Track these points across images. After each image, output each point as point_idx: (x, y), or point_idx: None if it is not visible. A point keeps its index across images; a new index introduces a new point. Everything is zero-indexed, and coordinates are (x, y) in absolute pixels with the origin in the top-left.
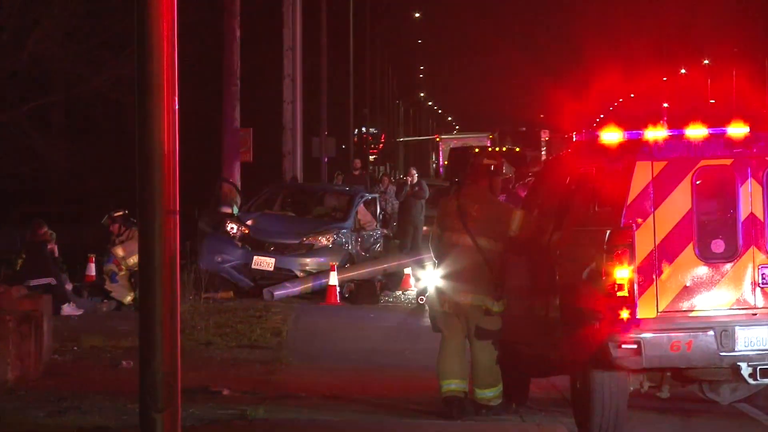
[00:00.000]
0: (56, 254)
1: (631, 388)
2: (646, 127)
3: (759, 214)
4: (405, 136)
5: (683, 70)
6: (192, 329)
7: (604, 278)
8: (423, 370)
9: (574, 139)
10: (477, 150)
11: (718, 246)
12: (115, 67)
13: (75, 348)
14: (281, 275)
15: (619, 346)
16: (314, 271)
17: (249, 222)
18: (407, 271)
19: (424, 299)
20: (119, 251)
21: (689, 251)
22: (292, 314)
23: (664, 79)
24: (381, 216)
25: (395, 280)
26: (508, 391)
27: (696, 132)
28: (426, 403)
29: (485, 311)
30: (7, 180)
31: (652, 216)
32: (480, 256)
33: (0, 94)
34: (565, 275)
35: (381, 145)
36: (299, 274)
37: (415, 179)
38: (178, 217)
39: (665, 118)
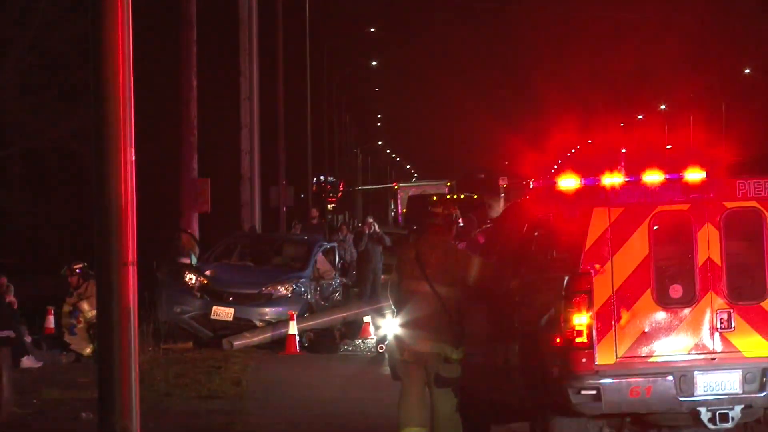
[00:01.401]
0: (15, 306)
1: None
2: (603, 173)
3: (716, 258)
4: (363, 184)
5: (640, 116)
6: (151, 380)
7: (562, 324)
8: (383, 418)
9: (532, 186)
10: (435, 197)
11: (676, 291)
12: (72, 118)
13: (35, 401)
14: (240, 325)
15: (579, 392)
16: (273, 321)
17: (208, 272)
18: (366, 319)
19: (384, 347)
20: (85, 306)
21: (647, 297)
22: (251, 364)
23: (622, 125)
24: (340, 265)
25: (355, 328)
26: None
27: (653, 178)
28: None
29: (445, 359)
30: None
31: (610, 262)
32: (439, 304)
33: None
34: (523, 322)
35: (340, 193)
36: (258, 323)
37: (374, 228)
38: (135, 268)
39: (622, 164)
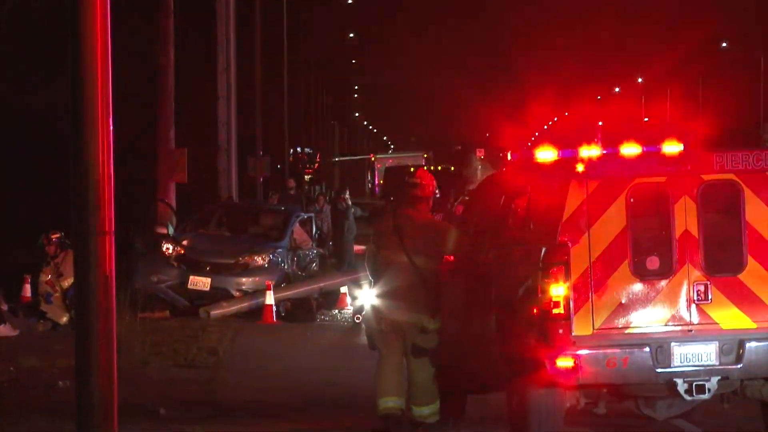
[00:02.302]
0: None
1: (568, 405)
2: (580, 145)
3: (693, 230)
4: (340, 155)
5: (617, 89)
6: (128, 349)
7: (539, 296)
8: (360, 388)
9: (509, 158)
10: (412, 169)
11: (653, 263)
12: (49, 88)
13: (11, 369)
14: (217, 295)
15: (555, 364)
16: (250, 291)
17: (185, 242)
18: (343, 289)
19: (361, 317)
20: (65, 283)
21: (624, 268)
22: (228, 333)
23: (599, 97)
24: (317, 235)
25: (332, 298)
26: (445, 409)
27: (630, 150)
28: (364, 420)
29: (421, 329)
30: None
31: (587, 233)
32: (416, 275)
33: None
34: (500, 293)
35: (316, 164)
36: (235, 293)
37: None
38: (112, 237)
39: (599, 137)
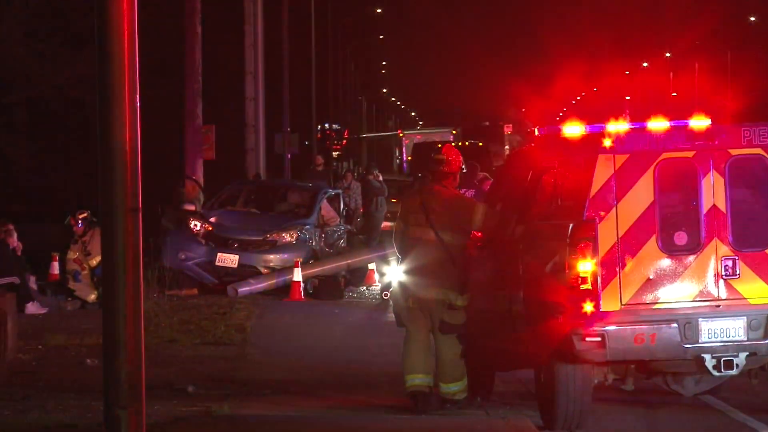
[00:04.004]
0: (19, 253)
1: (596, 381)
2: (608, 120)
3: (721, 206)
4: (368, 132)
5: (645, 64)
6: (156, 327)
7: (567, 271)
8: (388, 365)
9: (537, 134)
10: (440, 145)
11: (680, 238)
12: (77, 65)
13: (39, 347)
14: (245, 272)
15: (583, 339)
16: (278, 268)
17: (212, 219)
18: (371, 266)
19: (389, 294)
20: (93, 262)
21: (652, 244)
22: (256, 311)
23: (627, 72)
24: (344, 212)
25: (359, 275)
26: (473, 386)
27: (658, 125)
28: (391, 398)
29: (449, 306)
30: None
31: (614, 209)
32: (443, 251)
33: None
34: (528, 269)
35: (344, 141)
36: (263, 270)
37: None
38: (140, 214)
39: (627, 112)
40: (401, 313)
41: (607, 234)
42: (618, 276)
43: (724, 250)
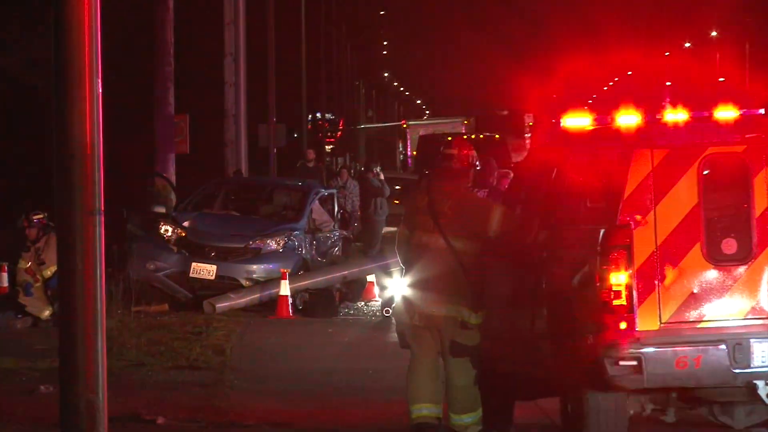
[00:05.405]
0: None
1: (631, 412)
2: (645, 109)
3: None
4: (367, 122)
5: (688, 44)
6: (121, 348)
7: (598, 284)
8: (389, 393)
9: (562, 125)
10: (450, 138)
11: (729, 246)
12: (29, 46)
13: None
14: (224, 285)
15: (617, 363)
16: (262, 280)
17: (186, 223)
18: (370, 278)
19: (390, 311)
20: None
21: (696, 252)
22: (237, 330)
23: (667, 54)
24: (339, 215)
25: (357, 289)
26: (488, 417)
27: (702, 115)
28: (393, 431)
29: (461, 324)
30: None
31: (652, 212)
32: (455, 260)
33: None
34: (552, 281)
35: (339, 132)
36: (245, 283)
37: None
38: (102, 218)
39: (668, 99)
40: (405, 332)
41: (644, 241)
42: (657, 290)
43: None
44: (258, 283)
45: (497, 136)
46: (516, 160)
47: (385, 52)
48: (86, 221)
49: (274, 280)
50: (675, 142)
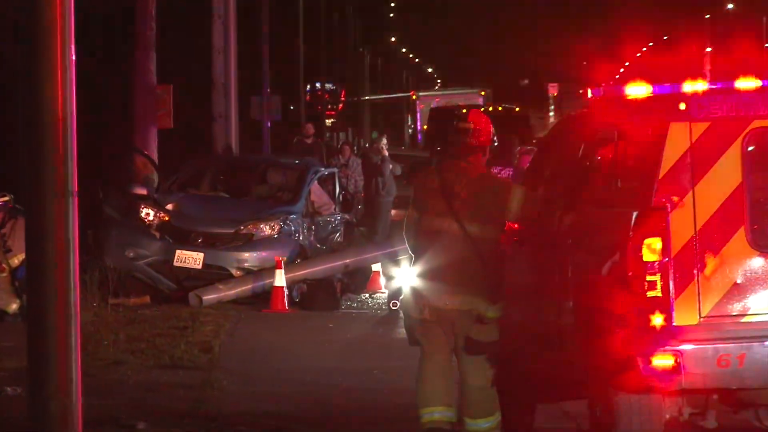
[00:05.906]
0: None
1: (667, 416)
2: (683, 78)
3: None
4: (371, 93)
5: (731, 6)
6: (97, 345)
7: (630, 274)
8: (397, 395)
9: (590, 96)
10: (465, 110)
11: None
12: None
13: None
14: (212, 274)
15: (651, 362)
16: (254, 269)
17: (170, 206)
18: (376, 267)
19: (398, 304)
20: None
21: (740, 238)
22: (226, 325)
23: (707, 17)
24: (341, 197)
25: (360, 279)
26: (508, 422)
27: (747, 84)
28: None
29: (477, 318)
30: None
31: (691, 193)
32: (470, 247)
33: None
34: (579, 270)
35: (341, 104)
36: (235, 272)
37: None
38: (76, 200)
39: (708, 68)
40: (414, 327)
41: (682, 226)
42: (696, 280)
43: None
44: (250, 273)
45: (517, 108)
46: (538, 135)
47: (392, 15)
48: (58, 204)
49: (267, 270)
50: (716, 115)
